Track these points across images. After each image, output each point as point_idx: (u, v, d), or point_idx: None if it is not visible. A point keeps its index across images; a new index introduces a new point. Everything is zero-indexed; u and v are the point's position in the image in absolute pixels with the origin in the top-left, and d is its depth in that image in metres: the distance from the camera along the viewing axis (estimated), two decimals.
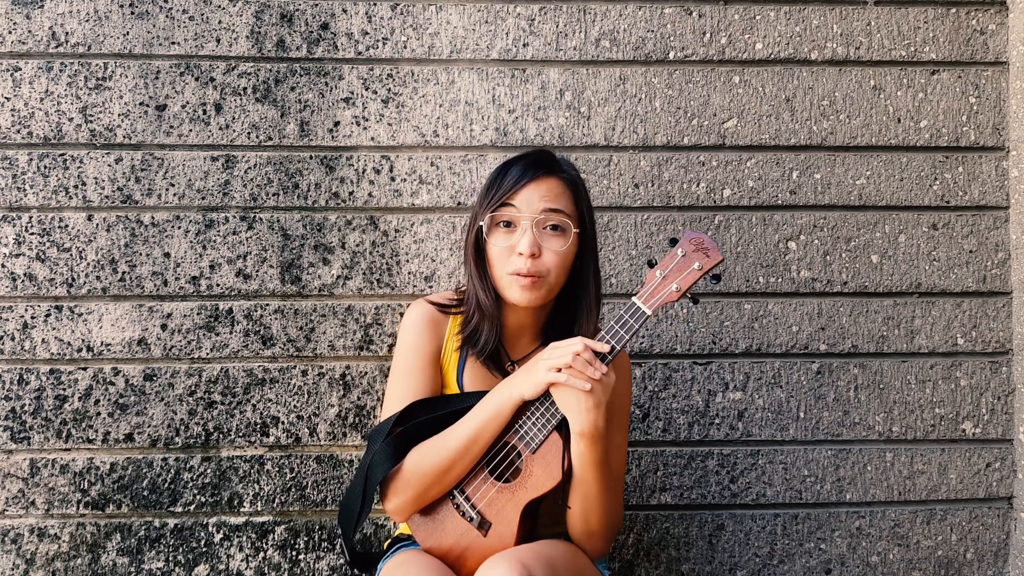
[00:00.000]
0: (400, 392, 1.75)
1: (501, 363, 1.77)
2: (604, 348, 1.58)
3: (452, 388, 1.78)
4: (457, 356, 1.78)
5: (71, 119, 2.17)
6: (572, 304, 1.77)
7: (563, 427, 1.63)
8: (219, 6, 2.19)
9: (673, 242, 1.64)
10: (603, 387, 1.57)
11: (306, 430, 2.18)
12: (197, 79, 2.19)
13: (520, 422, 1.65)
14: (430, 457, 1.65)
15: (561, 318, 1.79)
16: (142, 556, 2.15)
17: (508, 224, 1.70)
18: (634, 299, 1.62)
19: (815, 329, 2.25)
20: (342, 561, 2.18)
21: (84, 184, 2.16)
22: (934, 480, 2.26)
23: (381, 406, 2.16)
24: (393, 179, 2.21)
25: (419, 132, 2.21)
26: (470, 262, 1.75)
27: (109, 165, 2.17)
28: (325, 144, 2.20)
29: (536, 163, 1.73)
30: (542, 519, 1.74)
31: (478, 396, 1.70)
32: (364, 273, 2.20)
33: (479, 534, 1.66)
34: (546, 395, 1.62)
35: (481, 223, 1.71)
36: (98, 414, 2.15)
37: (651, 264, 1.64)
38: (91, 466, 2.15)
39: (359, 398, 2.19)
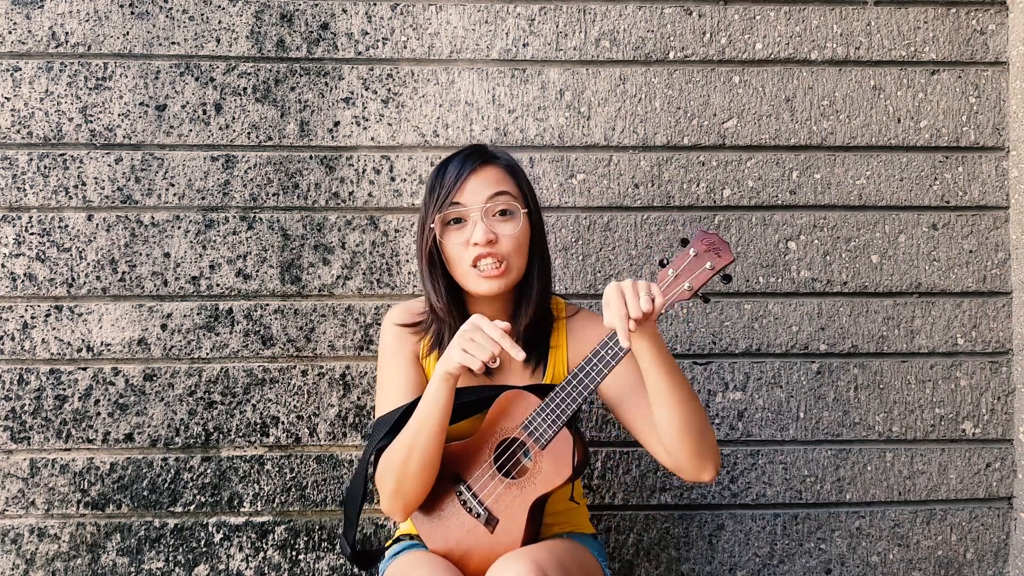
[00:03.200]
0: (390, 396, 1.76)
1: None
2: (517, 355, 1.59)
3: None
4: (435, 360, 1.78)
5: (71, 119, 2.17)
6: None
7: (573, 423, 1.63)
8: (219, 6, 2.19)
9: (684, 242, 1.63)
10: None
11: (306, 430, 2.18)
12: (197, 79, 2.19)
13: (530, 417, 1.65)
14: (394, 450, 1.66)
15: (523, 302, 1.79)
16: (142, 556, 2.15)
17: (458, 221, 1.71)
18: None
19: (815, 329, 2.25)
20: (342, 561, 2.18)
21: (84, 184, 2.16)
22: (934, 480, 2.26)
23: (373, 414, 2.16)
24: (393, 179, 2.21)
25: (419, 132, 2.21)
26: (424, 269, 1.75)
27: (109, 165, 2.17)
28: (325, 144, 2.20)
29: (472, 155, 1.74)
30: (548, 517, 1.74)
31: (471, 391, 1.71)
32: (364, 273, 2.20)
33: (486, 530, 1.66)
34: (557, 392, 1.62)
35: (432, 226, 1.72)
36: (98, 414, 2.15)
37: (663, 264, 1.63)
38: (91, 466, 2.15)
39: (359, 398, 2.19)
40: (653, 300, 1.53)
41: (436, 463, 1.66)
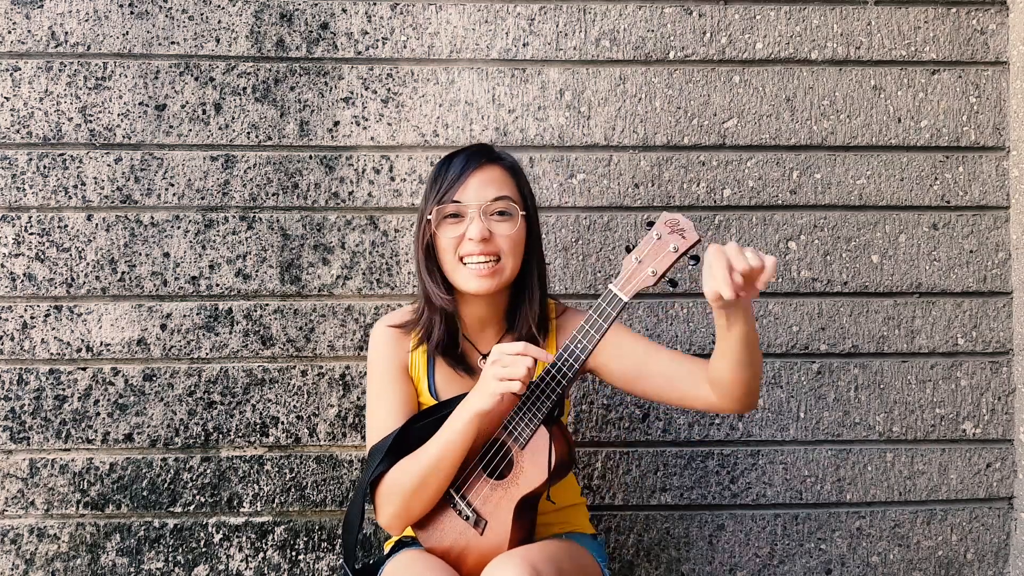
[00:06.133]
0: (381, 411, 1.76)
1: (469, 359, 1.79)
2: (545, 357, 1.56)
3: (426, 397, 1.78)
4: (425, 365, 1.79)
5: (71, 119, 2.17)
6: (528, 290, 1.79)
7: (550, 421, 1.63)
8: (219, 6, 2.19)
9: (650, 225, 1.58)
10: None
11: (306, 430, 2.18)
12: (197, 79, 2.18)
13: (509, 418, 1.64)
14: (407, 474, 1.66)
15: (521, 304, 1.79)
16: (142, 556, 2.15)
17: (456, 216, 1.72)
18: (611, 286, 1.57)
19: (815, 329, 2.24)
20: (341, 561, 2.17)
21: (84, 184, 2.16)
22: (934, 480, 2.25)
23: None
24: (393, 179, 2.21)
25: (419, 132, 2.21)
26: (420, 259, 1.75)
27: (109, 165, 2.17)
28: (325, 144, 2.20)
29: (476, 154, 1.75)
30: (547, 517, 1.74)
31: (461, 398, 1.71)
32: (364, 273, 2.20)
33: (476, 532, 1.66)
34: (531, 389, 1.61)
35: (429, 217, 1.72)
36: (98, 414, 2.15)
37: (628, 249, 1.58)
38: (91, 466, 2.15)
39: (359, 398, 2.19)
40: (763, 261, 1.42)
41: (446, 487, 1.67)
